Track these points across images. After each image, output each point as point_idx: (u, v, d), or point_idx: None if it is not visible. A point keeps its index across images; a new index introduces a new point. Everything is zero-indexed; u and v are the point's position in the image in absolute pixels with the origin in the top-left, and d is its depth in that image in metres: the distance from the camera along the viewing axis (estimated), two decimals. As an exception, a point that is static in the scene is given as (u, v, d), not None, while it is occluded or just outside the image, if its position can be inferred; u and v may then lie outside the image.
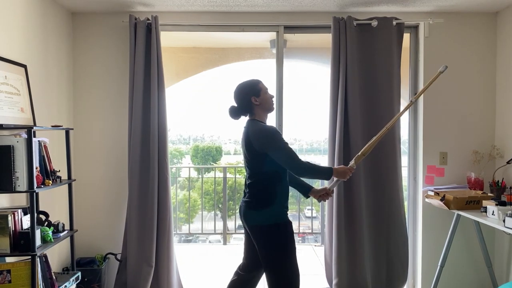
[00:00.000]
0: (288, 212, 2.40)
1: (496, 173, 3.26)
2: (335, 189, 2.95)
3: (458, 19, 3.34)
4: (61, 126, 2.85)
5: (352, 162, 2.56)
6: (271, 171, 2.33)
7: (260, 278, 2.57)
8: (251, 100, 2.39)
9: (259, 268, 2.50)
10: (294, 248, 2.35)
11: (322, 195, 2.57)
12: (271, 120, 3.46)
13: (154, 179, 3.17)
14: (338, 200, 3.19)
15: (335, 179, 2.52)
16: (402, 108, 3.30)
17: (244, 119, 2.48)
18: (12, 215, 2.31)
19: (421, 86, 3.39)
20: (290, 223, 2.37)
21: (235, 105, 2.44)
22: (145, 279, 3.17)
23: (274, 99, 2.50)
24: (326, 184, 2.73)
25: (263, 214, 2.32)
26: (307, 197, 2.64)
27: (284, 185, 2.38)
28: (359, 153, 2.59)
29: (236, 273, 2.60)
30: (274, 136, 2.31)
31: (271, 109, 2.46)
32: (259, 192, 2.36)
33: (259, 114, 2.42)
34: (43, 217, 2.70)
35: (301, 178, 2.59)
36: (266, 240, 2.33)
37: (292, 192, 6.94)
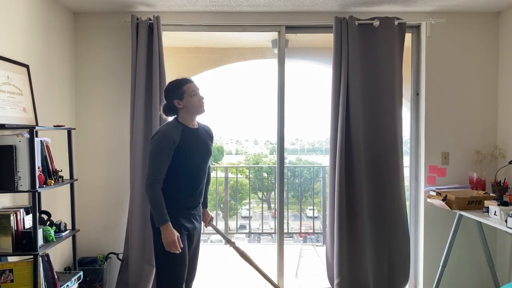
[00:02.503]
0: (184, 218, 2.33)
1: (498, 173, 3.25)
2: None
3: (460, 19, 3.34)
4: (63, 126, 2.86)
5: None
6: (167, 176, 2.28)
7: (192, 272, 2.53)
8: (174, 103, 2.33)
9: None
10: (180, 256, 2.27)
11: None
12: (273, 118, 3.48)
13: (156, 179, 3.17)
14: (339, 200, 3.18)
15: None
16: (403, 111, 3.31)
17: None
18: (15, 215, 2.31)
19: (423, 86, 3.39)
20: (180, 228, 2.29)
21: (165, 104, 2.41)
22: (147, 278, 3.17)
23: (207, 101, 2.41)
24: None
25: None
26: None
27: (177, 189, 2.31)
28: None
29: None
30: (156, 140, 2.26)
31: (198, 112, 2.37)
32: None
33: (183, 117, 2.35)
34: (45, 217, 2.70)
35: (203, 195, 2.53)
36: (156, 240, 2.29)
37: (294, 192, 6.92)
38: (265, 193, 8.01)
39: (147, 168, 2.28)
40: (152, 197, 2.24)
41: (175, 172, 2.30)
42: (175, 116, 2.40)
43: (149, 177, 2.25)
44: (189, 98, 2.33)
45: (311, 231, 6.29)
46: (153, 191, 2.23)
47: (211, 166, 2.69)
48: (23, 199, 2.67)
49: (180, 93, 2.33)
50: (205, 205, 2.66)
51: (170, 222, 2.22)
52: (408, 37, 3.37)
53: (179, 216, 2.34)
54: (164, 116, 2.47)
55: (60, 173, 2.76)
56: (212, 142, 2.54)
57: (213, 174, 6.39)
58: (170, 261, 2.28)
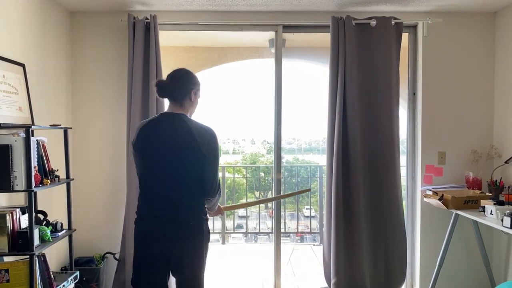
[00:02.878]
0: (141, 215, 2.11)
1: (494, 172, 3.26)
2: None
3: (456, 18, 3.35)
4: (60, 125, 2.85)
5: None
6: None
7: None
8: (191, 92, 2.11)
9: None
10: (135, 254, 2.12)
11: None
12: (270, 117, 3.48)
13: (153, 178, 3.16)
14: (336, 199, 3.19)
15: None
16: (400, 110, 3.32)
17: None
18: (10, 215, 2.30)
19: (419, 86, 3.40)
20: (138, 224, 2.11)
21: (169, 84, 2.10)
22: (144, 278, 3.16)
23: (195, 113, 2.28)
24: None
25: (203, 219, 2.15)
26: None
27: (141, 188, 2.13)
28: (234, 205, 2.69)
29: None
30: (217, 144, 2.11)
31: (192, 113, 2.22)
32: (200, 199, 2.17)
33: (190, 113, 2.17)
34: (41, 217, 2.70)
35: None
36: (203, 244, 2.16)
37: (291, 190, 6.91)
38: (262, 193, 8.01)
39: (215, 175, 2.09)
40: (218, 195, 2.19)
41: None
42: (180, 109, 2.11)
43: (216, 182, 2.11)
44: (198, 99, 2.21)
45: (308, 230, 6.30)
46: (219, 191, 2.18)
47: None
48: (19, 198, 2.66)
49: (199, 89, 2.19)
50: None
51: None
52: (405, 36, 3.38)
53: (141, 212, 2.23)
54: (155, 88, 2.12)
55: (56, 173, 2.75)
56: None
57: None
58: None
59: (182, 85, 2.12)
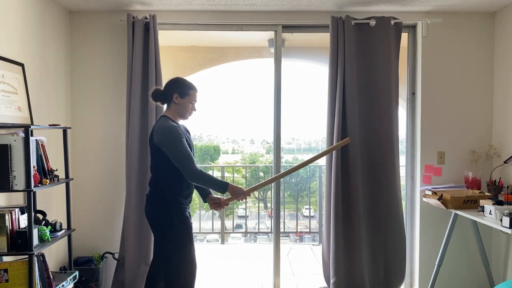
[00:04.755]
0: (187, 208, 2.41)
1: (493, 172, 3.27)
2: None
3: (456, 18, 3.35)
4: (59, 125, 2.84)
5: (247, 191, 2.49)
6: (167, 167, 2.32)
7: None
8: (173, 95, 2.41)
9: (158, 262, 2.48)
10: (190, 243, 2.37)
11: (215, 203, 2.58)
12: (269, 117, 3.48)
13: (152, 178, 3.16)
14: (336, 199, 3.19)
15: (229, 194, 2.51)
16: (399, 110, 3.32)
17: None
18: (9, 214, 2.30)
19: (419, 86, 3.40)
20: (186, 217, 2.38)
21: (161, 89, 2.48)
22: (143, 278, 3.15)
23: (194, 113, 2.51)
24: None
25: (158, 208, 2.36)
26: (205, 201, 2.63)
27: (179, 182, 2.35)
28: (257, 185, 2.64)
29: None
30: (172, 134, 2.30)
31: (184, 118, 2.48)
32: (156, 186, 2.39)
33: (173, 114, 2.43)
34: (40, 216, 2.69)
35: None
36: (161, 232, 2.36)
37: (290, 192, 6.92)
38: (261, 193, 8.01)
39: (177, 161, 2.28)
40: (201, 177, 2.30)
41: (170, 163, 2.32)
42: (166, 112, 2.46)
43: (186, 164, 2.27)
44: (187, 102, 2.44)
45: (307, 230, 6.30)
46: (197, 173, 2.28)
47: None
48: (18, 198, 2.66)
49: (184, 92, 2.43)
50: (208, 192, 2.64)
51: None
52: (404, 36, 3.38)
53: (186, 210, 2.41)
54: (150, 97, 2.48)
55: (55, 172, 2.75)
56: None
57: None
58: (184, 264, 2.34)
59: (165, 87, 2.46)
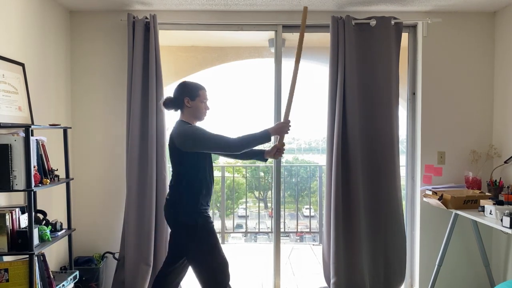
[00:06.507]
0: (207, 209, 2.45)
1: (493, 172, 3.27)
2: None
3: (456, 18, 3.35)
4: (59, 125, 2.85)
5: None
6: (189, 171, 2.38)
7: (180, 273, 2.59)
8: (183, 100, 2.43)
9: (176, 263, 2.53)
10: (216, 243, 2.41)
11: (276, 153, 2.62)
12: (270, 117, 3.48)
13: (152, 178, 3.16)
14: (336, 199, 3.19)
15: (278, 137, 2.58)
16: (400, 110, 3.32)
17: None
18: (10, 214, 2.30)
19: (419, 86, 3.40)
20: (208, 219, 2.42)
21: (172, 96, 2.49)
22: (143, 278, 3.16)
23: (209, 112, 2.54)
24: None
25: (182, 212, 2.37)
26: (265, 160, 2.69)
27: (201, 185, 2.40)
28: (286, 107, 2.66)
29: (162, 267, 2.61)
30: (196, 132, 2.36)
31: (200, 119, 2.51)
32: (177, 190, 2.41)
33: (188, 118, 2.46)
34: (41, 216, 2.70)
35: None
36: (185, 236, 2.39)
37: (290, 191, 6.91)
38: (261, 192, 8.02)
39: (219, 148, 2.39)
40: (245, 143, 2.38)
41: (197, 168, 2.39)
42: (181, 116, 2.48)
43: (223, 144, 2.35)
44: (199, 103, 2.46)
45: (308, 230, 6.30)
46: (236, 142, 2.36)
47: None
48: (19, 198, 2.66)
49: (194, 94, 2.45)
50: (262, 152, 2.69)
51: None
52: (404, 36, 3.38)
53: (207, 211, 2.44)
54: (162, 107, 2.52)
55: (56, 172, 2.75)
56: None
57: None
58: (215, 264, 2.38)
59: (174, 94, 2.48)
